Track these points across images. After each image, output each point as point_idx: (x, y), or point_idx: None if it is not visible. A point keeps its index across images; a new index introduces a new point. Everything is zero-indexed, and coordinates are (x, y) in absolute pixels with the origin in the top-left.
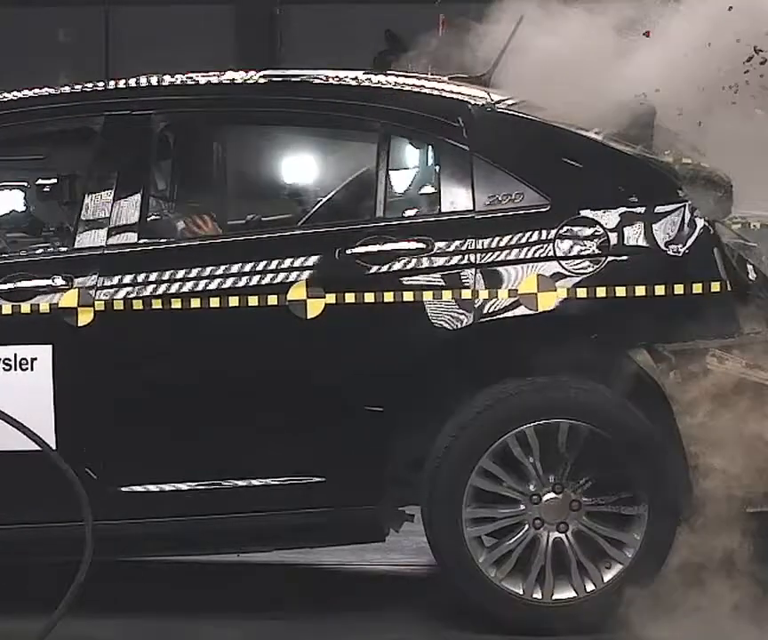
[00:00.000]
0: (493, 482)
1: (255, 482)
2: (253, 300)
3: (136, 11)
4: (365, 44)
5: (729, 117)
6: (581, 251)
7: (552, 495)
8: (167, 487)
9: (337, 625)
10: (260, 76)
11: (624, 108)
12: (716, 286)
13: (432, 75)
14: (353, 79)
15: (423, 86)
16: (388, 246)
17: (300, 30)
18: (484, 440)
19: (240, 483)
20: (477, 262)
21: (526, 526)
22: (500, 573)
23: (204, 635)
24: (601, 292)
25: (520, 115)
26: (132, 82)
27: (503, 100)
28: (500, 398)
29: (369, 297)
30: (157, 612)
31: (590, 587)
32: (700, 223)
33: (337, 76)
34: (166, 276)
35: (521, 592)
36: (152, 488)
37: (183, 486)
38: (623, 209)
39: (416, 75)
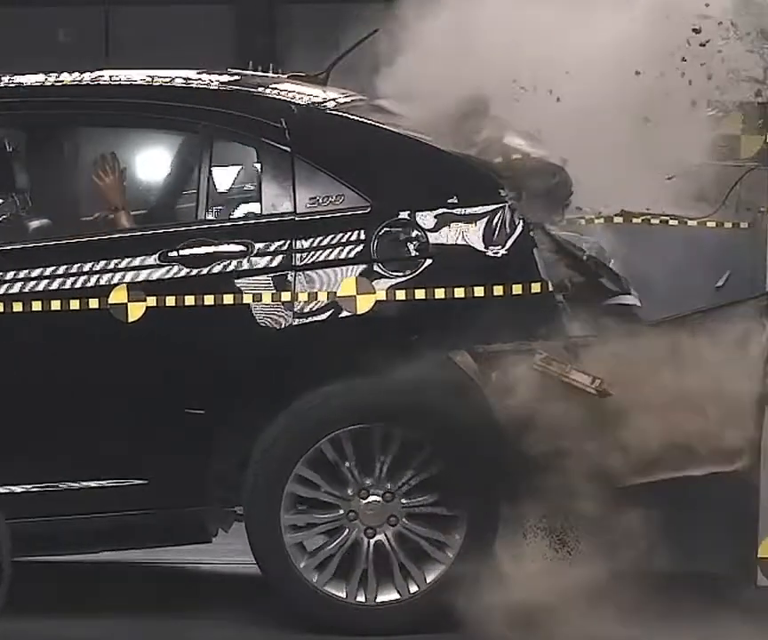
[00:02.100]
0: (311, 488)
1: (77, 484)
2: (75, 304)
3: (136, 11)
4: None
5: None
6: (400, 252)
7: (371, 499)
8: (2, 490)
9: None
10: (91, 78)
11: (458, 102)
12: (536, 287)
13: (273, 73)
14: (179, 80)
15: (248, 87)
16: (209, 249)
17: (299, 30)
18: (297, 448)
19: (65, 485)
20: (297, 264)
21: (346, 530)
22: (322, 578)
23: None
24: (420, 293)
25: (343, 116)
26: None
27: (336, 100)
28: (310, 406)
29: (189, 300)
30: (144, 612)
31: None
32: (520, 224)
33: (162, 77)
34: None
35: (344, 595)
36: None
37: (17, 489)
38: (442, 210)
39: (246, 74)
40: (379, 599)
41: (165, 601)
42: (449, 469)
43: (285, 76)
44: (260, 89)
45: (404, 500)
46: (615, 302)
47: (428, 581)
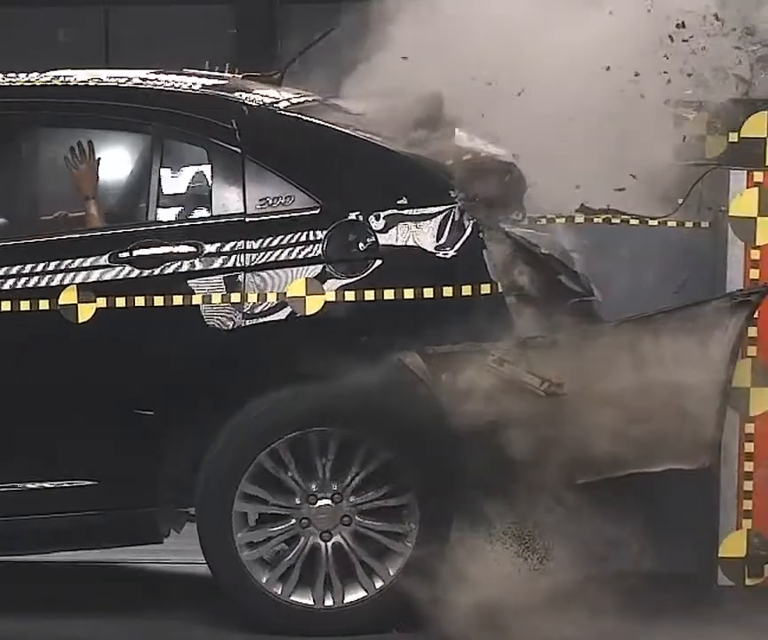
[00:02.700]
0: (258, 503)
1: (30, 485)
2: (25, 305)
3: (136, 11)
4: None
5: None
6: (350, 253)
7: (320, 503)
8: None
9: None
10: (45, 79)
11: (413, 101)
12: (486, 288)
13: (228, 73)
14: (131, 80)
15: (200, 87)
16: (159, 250)
17: (300, 30)
18: (240, 464)
19: (21, 485)
20: (247, 265)
21: (302, 538)
22: (287, 588)
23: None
24: (369, 294)
25: (294, 116)
26: None
27: (289, 100)
28: (251, 416)
29: (139, 301)
30: (145, 612)
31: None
32: (470, 225)
33: (115, 77)
34: None
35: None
36: None
37: None
38: (392, 211)
39: (200, 74)
40: (346, 600)
41: (166, 601)
42: (393, 461)
43: (240, 75)
44: (212, 89)
45: (352, 499)
46: (576, 301)
47: (391, 574)
